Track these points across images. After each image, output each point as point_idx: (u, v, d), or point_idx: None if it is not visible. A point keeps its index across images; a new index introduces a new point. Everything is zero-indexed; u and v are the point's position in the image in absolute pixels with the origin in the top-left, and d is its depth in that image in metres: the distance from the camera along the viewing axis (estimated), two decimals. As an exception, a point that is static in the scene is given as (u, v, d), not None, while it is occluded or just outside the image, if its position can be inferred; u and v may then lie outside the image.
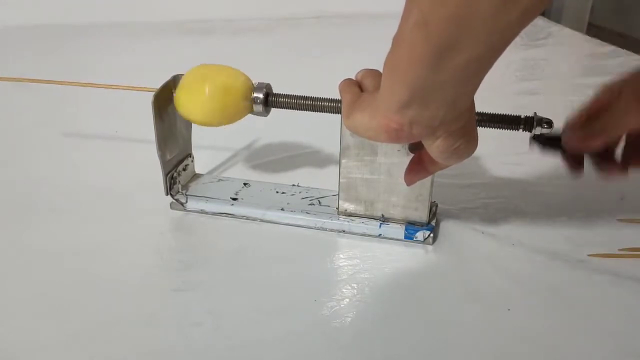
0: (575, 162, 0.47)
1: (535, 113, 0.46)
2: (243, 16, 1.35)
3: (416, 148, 0.47)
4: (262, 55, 1.12)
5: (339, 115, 0.49)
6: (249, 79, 0.51)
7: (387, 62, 0.35)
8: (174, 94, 0.51)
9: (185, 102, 0.50)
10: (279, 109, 0.52)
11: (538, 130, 0.46)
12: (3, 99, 0.85)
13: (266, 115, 0.52)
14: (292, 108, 0.51)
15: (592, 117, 0.43)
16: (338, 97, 0.50)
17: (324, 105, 0.50)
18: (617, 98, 0.42)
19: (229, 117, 0.51)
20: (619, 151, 0.45)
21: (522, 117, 0.46)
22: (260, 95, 0.51)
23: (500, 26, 0.28)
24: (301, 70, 1.01)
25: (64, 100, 0.83)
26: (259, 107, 0.51)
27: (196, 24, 1.30)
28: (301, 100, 0.51)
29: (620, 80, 0.43)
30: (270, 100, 0.51)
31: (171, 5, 1.33)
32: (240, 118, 0.52)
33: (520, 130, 0.47)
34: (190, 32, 1.26)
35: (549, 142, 0.46)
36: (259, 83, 0.51)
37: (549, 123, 0.45)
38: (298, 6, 1.38)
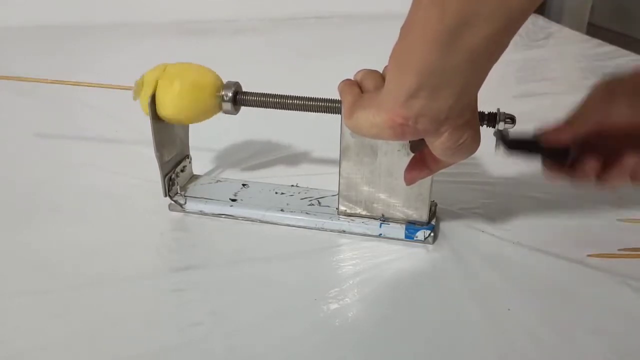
0: (554, 163, 0.46)
1: (498, 109, 0.46)
2: (243, 16, 1.35)
3: (417, 148, 0.47)
4: (262, 55, 1.12)
5: (333, 115, 0.50)
6: (218, 77, 0.51)
7: (395, 51, 0.35)
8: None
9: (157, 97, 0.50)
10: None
11: (501, 126, 0.46)
12: (2, 100, 0.85)
13: (235, 114, 0.52)
14: (261, 106, 0.51)
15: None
16: (310, 95, 0.50)
17: (293, 103, 0.50)
18: (589, 93, 0.44)
19: (197, 114, 0.51)
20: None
21: (486, 113, 0.46)
22: (229, 94, 0.51)
23: (515, 2, 0.29)
24: (301, 70, 1.01)
25: (63, 101, 0.83)
26: (227, 105, 0.51)
27: (196, 24, 1.30)
28: (270, 98, 0.51)
29: (598, 82, 0.45)
30: (239, 98, 0.51)
31: (171, 5, 1.33)
32: (209, 116, 0.52)
33: (484, 126, 0.46)
34: (190, 32, 1.26)
35: (520, 144, 0.46)
36: (227, 82, 0.51)
37: (512, 119, 0.45)
38: (298, 6, 1.38)
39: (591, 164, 0.44)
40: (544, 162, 0.46)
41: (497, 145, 0.46)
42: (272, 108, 0.51)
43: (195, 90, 0.50)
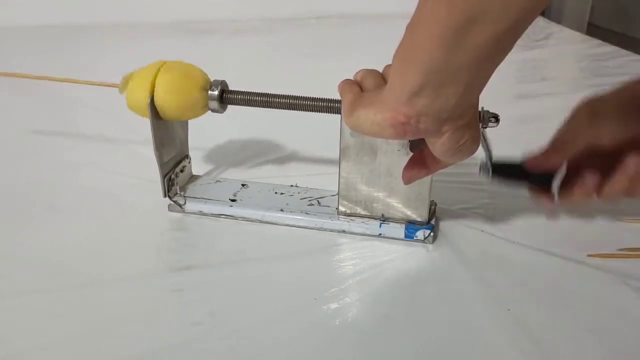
0: (541, 189, 0.46)
1: (482, 108, 0.46)
2: (243, 16, 1.35)
3: (417, 147, 0.46)
4: (262, 55, 1.12)
5: (333, 114, 0.50)
6: (205, 76, 0.52)
7: (400, 49, 0.35)
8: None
9: (139, 95, 0.50)
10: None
11: (486, 123, 0.45)
12: (1, 99, 0.85)
13: (222, 112, 0.52)
14: (248, 105, 0.52)
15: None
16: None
17: (280, 102, 0.51)
18: (573, 115, 0.43)
19: (184, 113, 0.51)
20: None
21: None
22: (215, 92, 0.51)
23: (522, 1, 0.29)
24: (301, 70, 1.01)
25: (63, 101, 0.83)
26: (214, 104, 0.51)
27: (196, 24, 1.30)
28: (257, 97, 0.51)
29: (578, 103, 0.44)
30: (225, 97, 0.51)
31: (171, 5, 1.33)
32: (196, 111, 0.52)
33: None
34: (190, 32, 1.26)
35: (508, 170, 0.45)
36: (214, 80, 0.52)
37: (496, 117, 0.45)
38: (298, 7, 1.38)
39: (591, 178, 0.43)
40: (531, 189, 0.46)
41: (481, 171, 0.45)
42: (259, 107, 0.51)
43: (184, 79, 0.50)
